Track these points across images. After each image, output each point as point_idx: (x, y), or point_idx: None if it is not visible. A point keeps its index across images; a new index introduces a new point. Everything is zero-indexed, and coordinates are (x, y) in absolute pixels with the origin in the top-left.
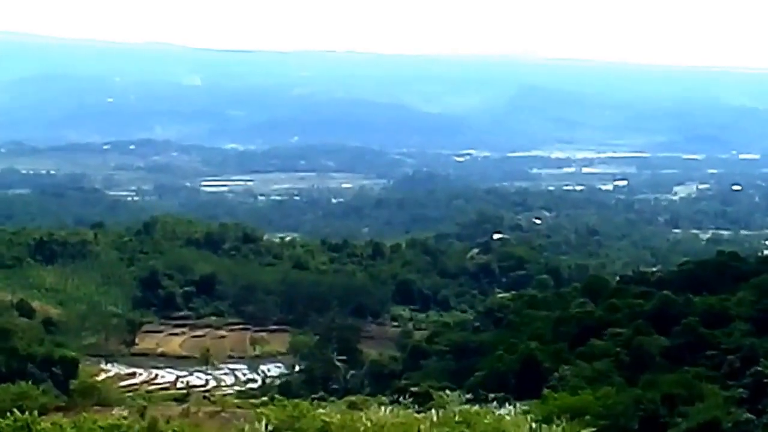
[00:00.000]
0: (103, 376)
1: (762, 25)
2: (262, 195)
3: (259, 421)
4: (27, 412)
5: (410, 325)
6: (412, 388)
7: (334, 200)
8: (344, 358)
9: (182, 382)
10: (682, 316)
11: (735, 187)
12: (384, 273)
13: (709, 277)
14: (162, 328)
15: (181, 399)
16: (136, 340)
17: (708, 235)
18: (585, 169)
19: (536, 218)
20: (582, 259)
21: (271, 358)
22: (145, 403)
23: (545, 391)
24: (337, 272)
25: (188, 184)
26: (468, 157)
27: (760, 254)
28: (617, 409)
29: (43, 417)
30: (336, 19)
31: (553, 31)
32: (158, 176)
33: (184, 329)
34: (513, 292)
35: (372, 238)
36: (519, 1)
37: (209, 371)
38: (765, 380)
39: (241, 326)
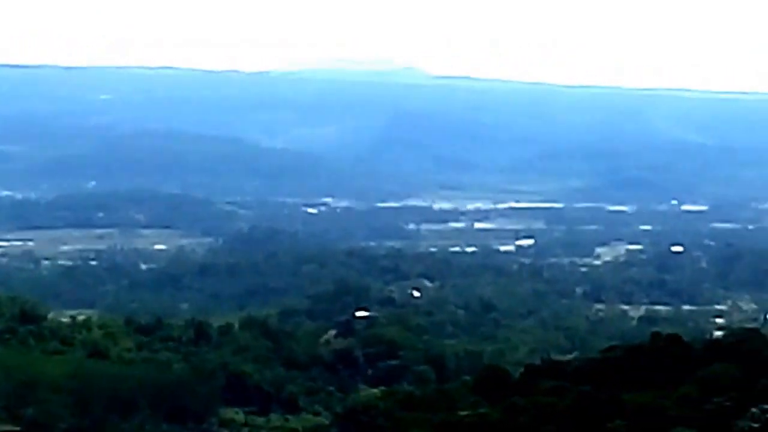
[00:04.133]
0: None
1: (707, 35)
2: (46, 259)
3: None
4: None
5: None
6: None
7: (143, 266)
8: None
9: None
10: (606, 418)
11: (675, 249)
12: (210, 363)
13: (642, 367)
14: None
15: None
16: None
17: (640, 312)
18: (478, 225)
19: (414, 289)
20: (474, 345)
21: None
22: None
23: None
24: (147, 362)
25: None
26: (323, 208)
27: (708, 337)
28: None
29: None
30: (148, 26)
31: (440, 41)
32: None
33: None
34: (383, 389)
35: (194, 317)
36: (396, 3)
37: None
38: None
39: None
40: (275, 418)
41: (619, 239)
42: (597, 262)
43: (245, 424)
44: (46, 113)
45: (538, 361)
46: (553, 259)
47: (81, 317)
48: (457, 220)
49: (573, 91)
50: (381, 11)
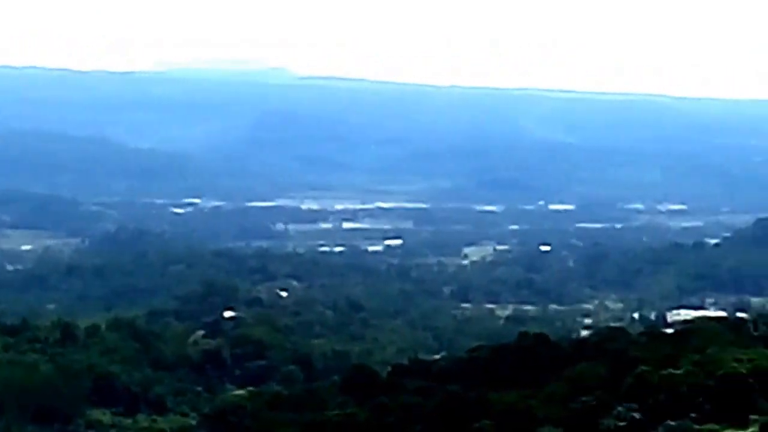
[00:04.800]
0: None
1: (572, 35)
2: None
3: None
4: None
5: None
6: None
7: (9, 267)
8: None
9: None
10: (473, 418)
11: (543, 248)
12: (77, 364)
13: (509, 366)
14: None
15: None
16: None
17: (508, 312)
18: (346, 225)
19: (281, 290)
20: (342, 345)
21: None
22: None
23: None
24: (13, 364)
25: None
26: (191, 208)
27: (575, 336)
28: None
29: None
30: (12, 25)
31: (309, 42)
32: None
33: None
34: (250, 389)
35: (61, 318)
36: (264, 4)
37: None
38: None
39: None
40: (142, 419)
41: (486, 239)
42: (465, 262)
43: (112, 425)
44: None
45: (405, 361)
46: (420, 259)
47: None
48: (325, 221)
49: (442, 91)
50: (249, 12)
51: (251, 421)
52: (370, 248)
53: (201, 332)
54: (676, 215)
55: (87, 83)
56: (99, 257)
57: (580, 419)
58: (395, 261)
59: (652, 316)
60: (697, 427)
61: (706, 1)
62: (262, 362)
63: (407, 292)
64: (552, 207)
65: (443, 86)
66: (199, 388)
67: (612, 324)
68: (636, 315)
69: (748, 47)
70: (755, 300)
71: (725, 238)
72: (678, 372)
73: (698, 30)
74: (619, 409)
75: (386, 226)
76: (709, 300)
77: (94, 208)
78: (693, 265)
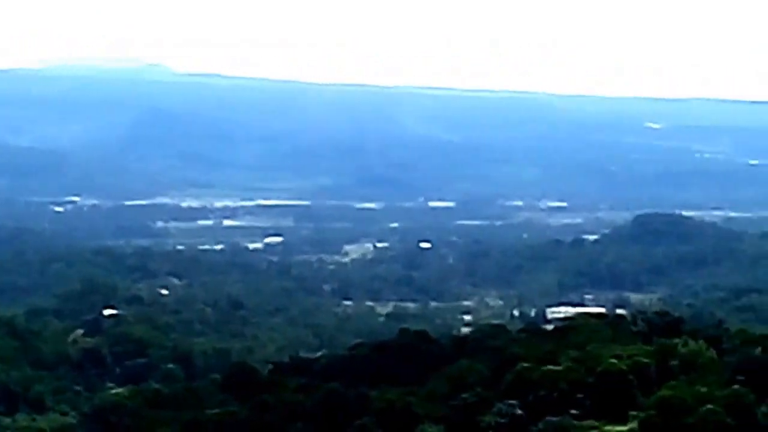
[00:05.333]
0: None
1: (449, 34)
2: None
3: None
4: None
5: None
6: None
7: None
8: None
9: None
10: (354, 415)
11: (423, 245)
12: None
13: (389, 363)
14: None
15: None
16: None
17: (388, 309)
18: (226, 222)
19: (161, 288)
20: (222, 342)
21: None
22: None
23: None
24: None
25: None
26: (70, 206)
27: (456, 333)
28: None
29: None
30: None
31: (187, 38)
32: None
33: None
34: (131, 387)
35: None
36: (144, 1)
37: None
38: None
39: None
40: (22, 418)
41: (367, 237)
42: (345, 260)
43: None
44: None
45: (286, 359)
46: (301, 257)
47: None
48: (205, 218)
49: (322, 88)
50: (126, 9)
51: (131, 420)
52: (251, 246)
53: (81, 331)
54: (556, 212)
55: None
56: None
57: (461, 416)
58: (276, 258)
59: (532, 313)
60: (577, 423)
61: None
62: (143, 360)
63: (288, 290)
64: (432, 204)
65: (324, 84)
66: (79, 387)
67: (492, 321)
68: (516, 312)
69: (626, 45)
70: (634, 296)
71: (604, 235)
72: (558, 369)
73: (578, 27)
74: (500, 406)
75: (267, 224)
76: (589, 296)
77: None
78: (572, 261)
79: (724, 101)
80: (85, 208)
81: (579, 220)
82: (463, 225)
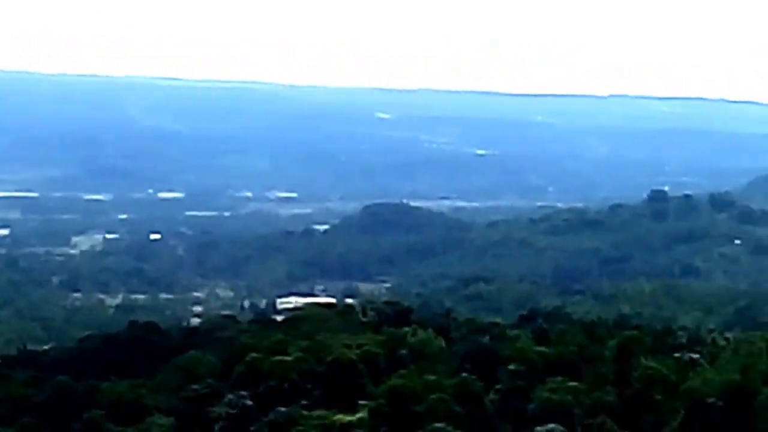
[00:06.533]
0: None
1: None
2: None
3: None
4: None
5: None
6: None
7: None
8: None
9: None
10: (84, 408)
11: (153, 237)
12: None
13: (119, 356)
14: None
15: None
16: None
17: (118, 301)
18: None
19: None
20: None
21: None
22: None
23: None
24: None
25: None
26: None
27: (186, 324)
28: None
29: None
30: None
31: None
32: None
33: None
34: None
35: None
36: None
37: None
38: None
39: None
40: None
41: (96, 228)
42: (73, 252)
43: None
44: None
45: (14, 352)
46: (28, 249)
47: None
48: None
49: (48, 79)
50: None
51: None
52: None
53: None
54: (286, 203)
55: None
56: None
57: (191, 407)
58: (2, 251)
59: (262, 304)
60: (306, 413)
61: None
62: None
63: (15, 282)
64: (161, 195)
65: (50, 74)
66: None
67: (222, 312)
68: (246, 303)
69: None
70: (364, 286)
71: (334, 225)
72: (288, 359)
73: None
74: (230, 396)
75: None
76: (319, 287)
77: None
78: (302, 252)
79: (451, 92)
80: None
81: (309, 211)
82: (192, 216)
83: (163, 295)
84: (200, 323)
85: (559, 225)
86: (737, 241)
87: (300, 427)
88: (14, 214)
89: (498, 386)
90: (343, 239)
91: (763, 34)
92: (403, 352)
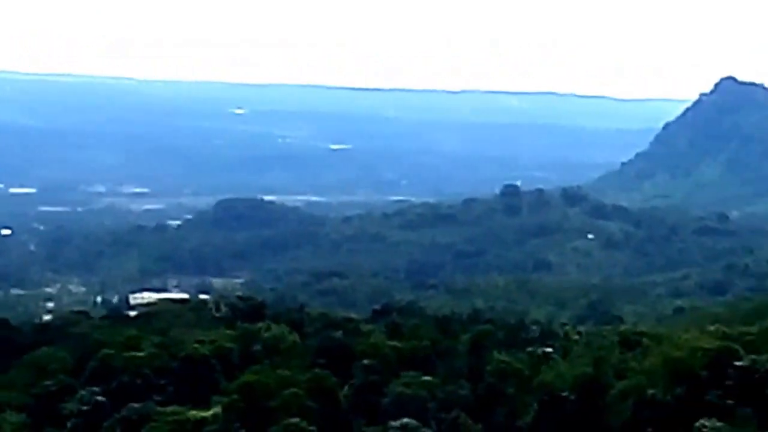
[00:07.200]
0: None
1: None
2: None
3: None
4: None
5: None
6: None
7: None
8: None
9: None
10: None
11: (4, 232)
12: None
13: None
14: None
15: None
16: None
17: None
18: None
19: None
20: None
21: None
22: None
23: None
24: None
25: None
26: None
27: (38, 320)
28: None
29: None
30: None
31: None
32: None
33: None
34: None
35: None
36: None
37: None
38: None
39: None
40: None
41: None
42: None
43: None
44: None
45: None
46: None
47: None
48: None
49: None
50: None
51: None
52: None
53: None
54: (138, 198)
55: None
56: None
57: (43, 404)
58: None
59: (115, 300)
60: (160, 409)
61: None
62: None
63: None
64: (12, 190)
65: None
66: None
67: (75, 308)
68: (99, 298)
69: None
70: (217, 281)
71: (187, 220)
72: (141, 354)
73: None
74: (83, 393)
75: None
76: (172, 282)
77: None
78: (155, 247)
79: (304, 86)
80: None
81: (161, 206)
82: (44, 211)
83: (14, 291)
84: (52, 319)
85: (413, 219)
86: (590, 236)
87: (154, 423)
88: None
89: (352, 381)
90: (196, 234)
91: (612, 29)
92: (257, 347)
